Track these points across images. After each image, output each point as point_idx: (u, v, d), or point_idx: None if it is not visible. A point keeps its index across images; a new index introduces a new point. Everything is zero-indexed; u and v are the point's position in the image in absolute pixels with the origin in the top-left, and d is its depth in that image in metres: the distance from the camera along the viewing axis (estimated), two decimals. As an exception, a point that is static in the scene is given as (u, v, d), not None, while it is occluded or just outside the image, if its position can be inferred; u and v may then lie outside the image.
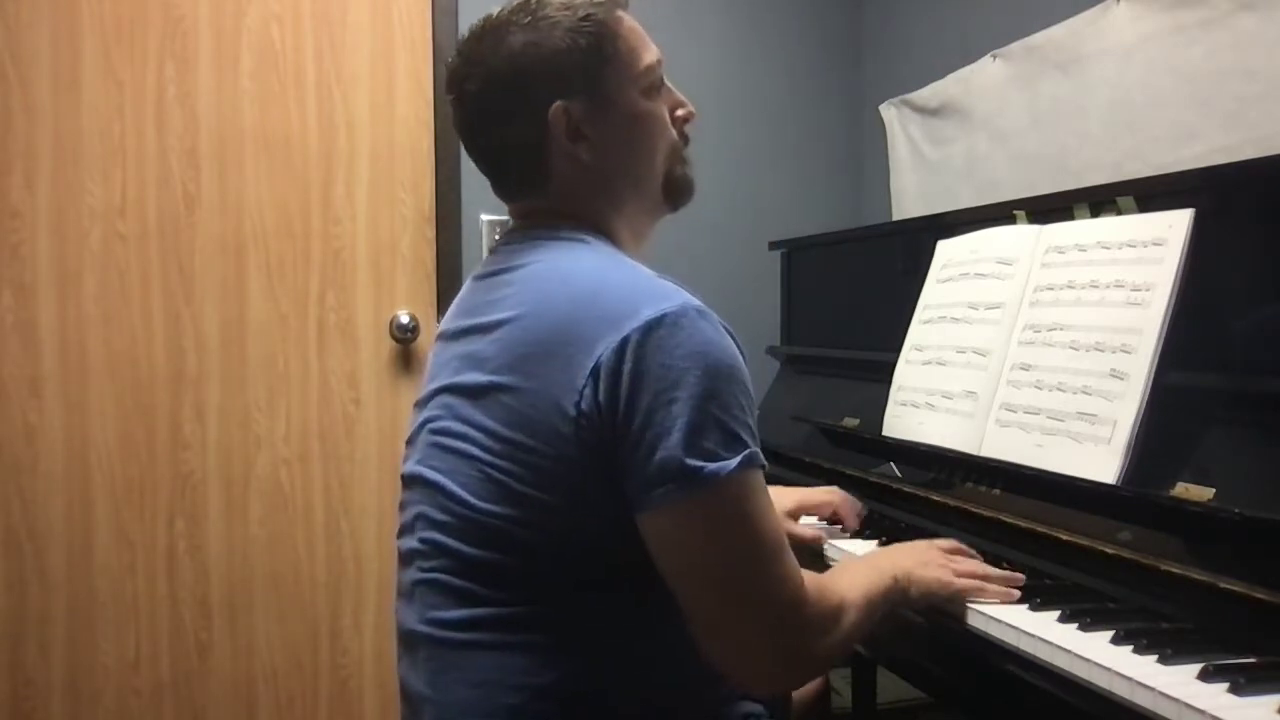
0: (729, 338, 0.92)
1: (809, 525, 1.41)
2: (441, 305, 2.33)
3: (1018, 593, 1.07)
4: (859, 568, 1.05)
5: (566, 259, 1.00)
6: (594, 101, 1.02)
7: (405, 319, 2.30)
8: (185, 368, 2.18)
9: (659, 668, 0.97)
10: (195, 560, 2.19)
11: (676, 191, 1.11)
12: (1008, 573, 1.11)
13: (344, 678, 2.31)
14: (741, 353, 0.93)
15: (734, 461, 0.86)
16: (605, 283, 0.95)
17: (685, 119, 1.11)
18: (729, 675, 0.94)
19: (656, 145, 1.07)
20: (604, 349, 0.88)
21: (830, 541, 1.36)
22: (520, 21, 1.01)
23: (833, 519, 1.43)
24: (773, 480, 1.00)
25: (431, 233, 2.35)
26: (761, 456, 0.91)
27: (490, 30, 1.02)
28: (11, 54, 2.07)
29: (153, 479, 2.17)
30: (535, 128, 1.01)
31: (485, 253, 2.37)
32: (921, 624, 1.11)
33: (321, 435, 2.28)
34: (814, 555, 1.35)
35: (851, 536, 1.40)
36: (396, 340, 2.31)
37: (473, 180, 2.36)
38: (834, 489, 1.45)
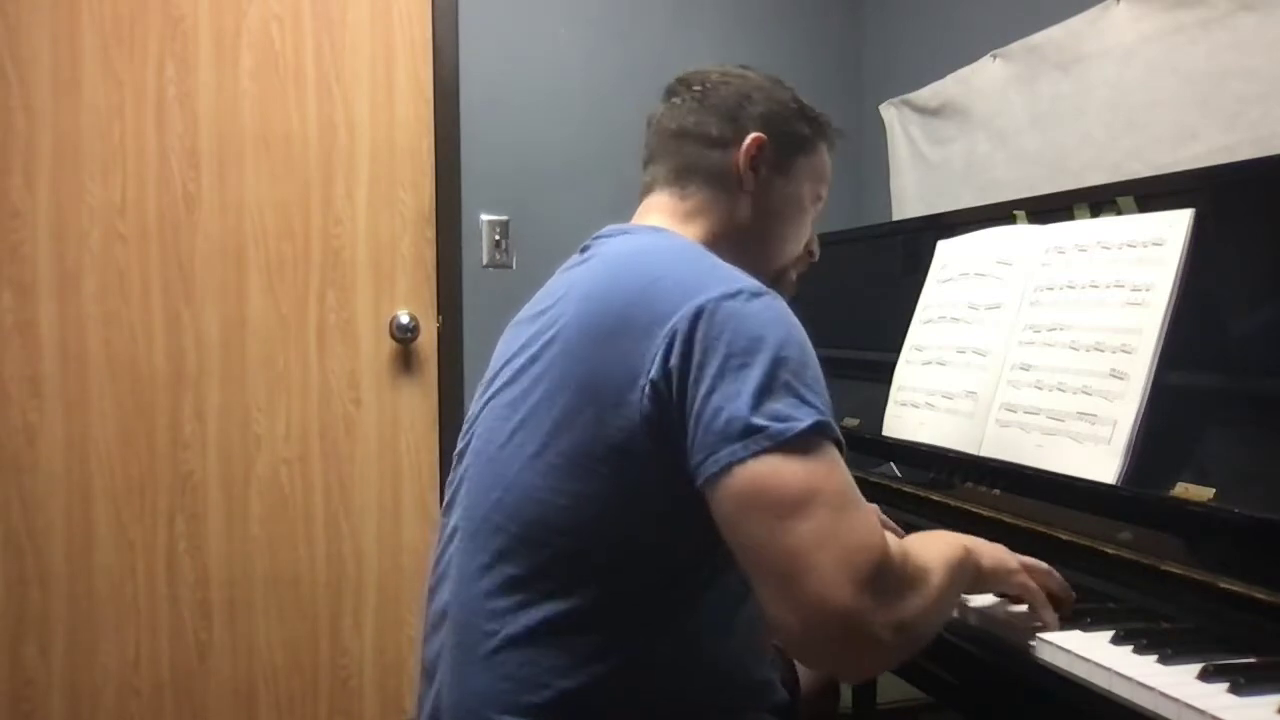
0: (800, 325, 0.92)
1: None
2: (441, 305, 2.33)
3: (1057, 621, 0.99)
4: (930, 537, 0.98)
5: (647, 244, 1.03)
6: (780, 163, 1.12)
7: (405, 319, 2.30)
8: (185, 368, 2.18)
9: (685, 682, 0.95)
10: (195, 560, 2.19)
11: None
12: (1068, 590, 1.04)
13: (344, 678, 2.31)
14: None
15: (803, 423, 0.84)
16: (679, 263, 0.96)
17: (810, 254, 1.20)
18: (807, 656, 0.86)
19: (794, 234, 1.16)
20: (679, 316, 0.88)
21: None
22: (763, 82, 1.14)
23: None
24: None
25: (431, 233, 2.34)
26: (837, 430, 0.87)
27: (738, 70, 1.15)
28: (11, 54, 2.07)
29: (153, 479, 2.17)
30: (731, 137, 1.10)
31: (485, 253, 2.38)
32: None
33: (321, 435, 2.28)
34: None
35: None
36: (396, 340, 2.31)
37: (473, 180, 2.36)
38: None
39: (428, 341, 2.34)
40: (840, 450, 0.88)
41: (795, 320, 0.91)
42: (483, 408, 1.04)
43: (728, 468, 0.84)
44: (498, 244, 2.38)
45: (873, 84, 2.65)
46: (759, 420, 0.83)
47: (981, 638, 1.04)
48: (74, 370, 2.12)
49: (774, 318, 0.89)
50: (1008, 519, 1.24)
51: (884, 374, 1.61)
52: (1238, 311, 1.12)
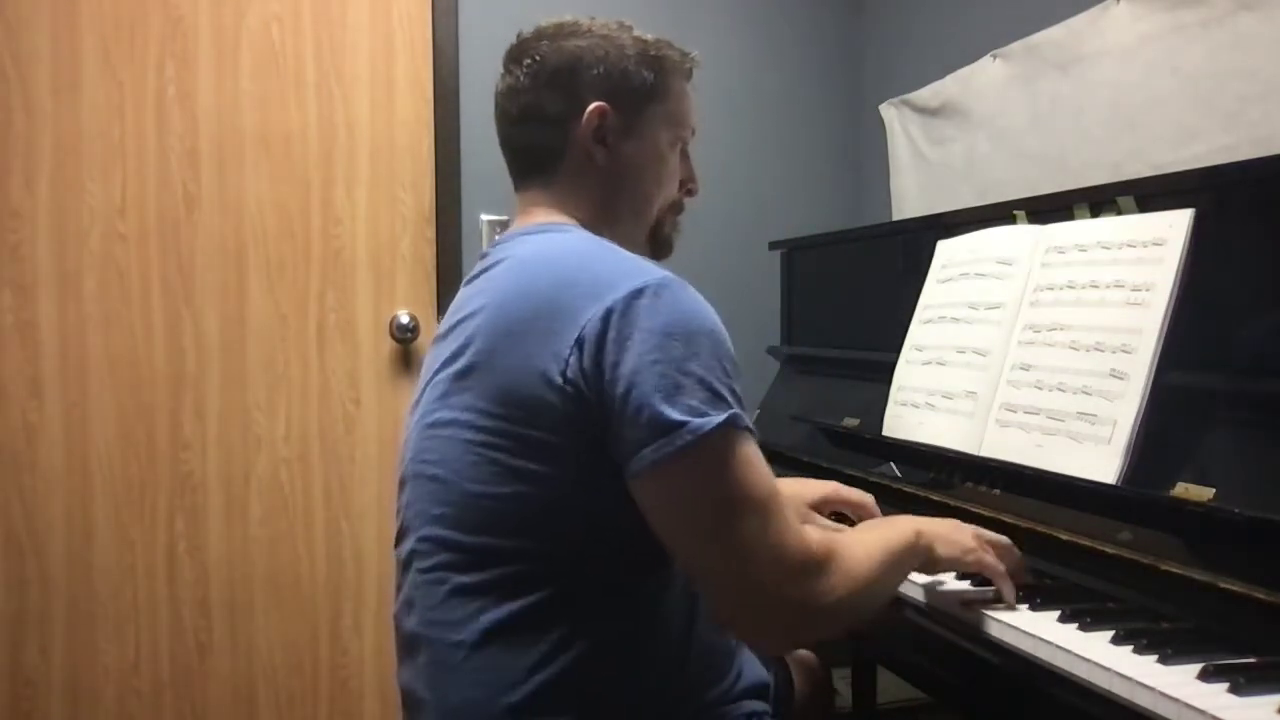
0: (711, 308, 0.94)
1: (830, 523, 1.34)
2: (441, 305, 2.33)
3: (1015, 603, 1.06)
4: (876, 524, 1.07)
5: (549, 244, 1.03)
6: (629, 123, 1.09)
7: (405, 319, 2.30)
8: (185, 368, 2.18)
9: (659, 664, 0.97)
10: (195, 560, 2.19)
11: (658, 244, 1.18)
12: (1020, 560, 1.10)
13: (344, 678, 2.31)
14: None
15: (717, 419, 0.88)
16: (587, 260, 0.98)
17: (689, 192, 1.19)
18: (742, 634, 0.95)
19: (661, 187, 1.14)
20: (588, 319, 0.90)
21: None
22: (601, 31, 1.10)
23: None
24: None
25: (431, 233, 2.34)
26: (747, 419, 0.92)
27: (572, 24, 1.11)
28: (11, 54, 2.07)
29: (153, 479, 2.17)
30: (570, 113, 1.07)
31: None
32: (922, 623, 1.11)
33: (321, 435, 2.28)
34: None
35: None
36: (396, 340, 2.31)
37: (473, 180, 2.36)
38: (869, 495, 1.36)
39: (428, 341, 2.33)
40: (753, 436, 0.93)
41: (701, 307, 0.93)
42: (412, 431, 1.05)
43: (652, 465, 0.88)
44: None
45: (873, 84, 2.65)
46: (677, 416, 0.87)
47: (981, 637, 1.04)
48: (74, 370, 2.12)
49: (681, 309, 0.91)
50: (1008, 519, 1.24)
51: (884, 374, 1.61)
52: (1238, 311, 1.12)
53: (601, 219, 1.10)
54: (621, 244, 1.09)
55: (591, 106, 1.06)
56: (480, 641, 0.93)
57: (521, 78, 1.08)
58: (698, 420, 0.87)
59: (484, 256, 1.10)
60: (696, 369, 0.89)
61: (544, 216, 1.09)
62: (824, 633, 0.96)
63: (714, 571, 0.90)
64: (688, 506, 0.89)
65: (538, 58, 1.08)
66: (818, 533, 0.93)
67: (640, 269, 0.94)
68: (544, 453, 0.91)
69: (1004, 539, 1.11)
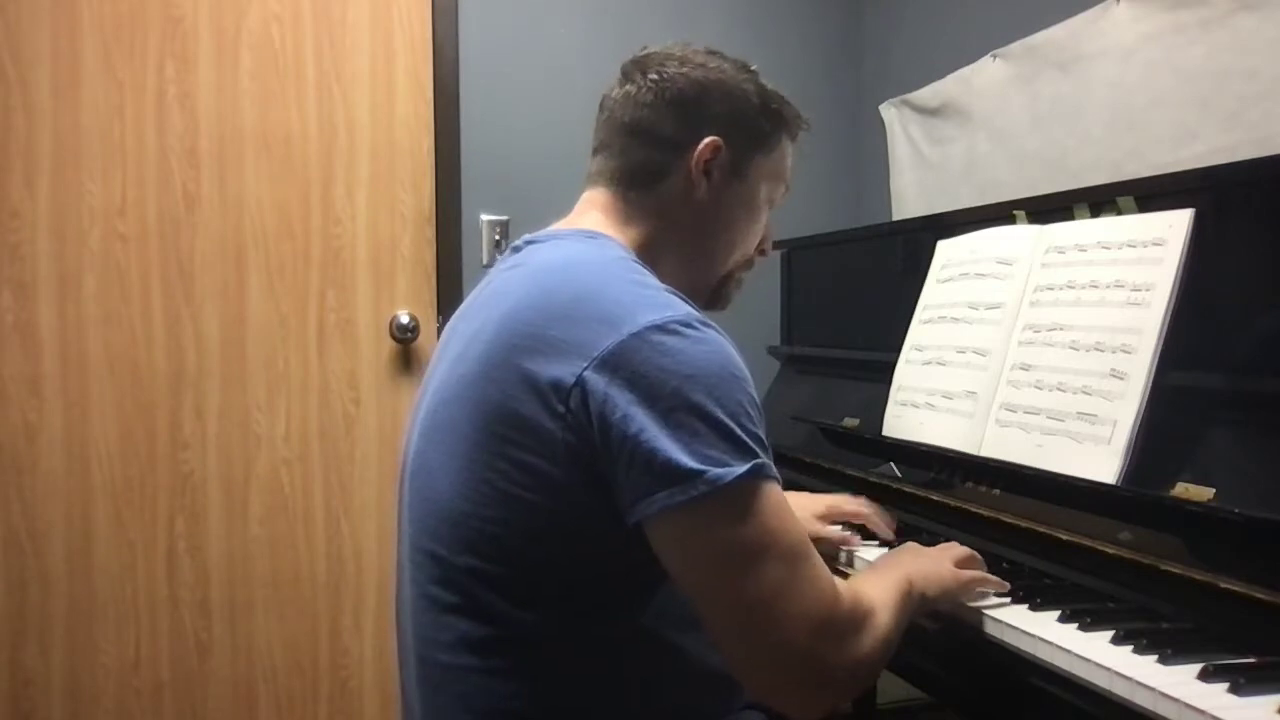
0: (734, 349, 0.89)
1: (837, 530, 1.36)
2: (441, 305, 2.33)
3: (1007, 585, 1.09)
4: (875, 574, 1.02)
5: (577, 255, 0.98)
6: (736, 166, 1.07)
7: (405, 319, 2.30)
8: (185, 368, 2.18)
9: (650, 693, 0.94)
10: (195, 560, 2.19)
11: (718, 296, 1.14)
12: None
13: (344, 678, 2.31)
14: None
15: (740, 469, 0.82)
16: (609, 283, 0.92)
17: (763, 251, 1.16)
18: (763, 693, 0.88)
19: (745, 238, 1.11)
20: (600, 350, 0.84)
21: (857, 551, 1.31)
22: (732, 69, 1.08)
23: (863, 531, 1.37)
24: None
25: (431, 233, 2.34)
26: (773, 469, 0.86)
27: (709, 51, 1.09)
28: (11, 54, 2.07)
29: (153, 479, 2.17)
30: (686, 139, 1.05)
31: (485, 253, 2.37)
32: (922, 624, 1.11)
33: (321, 435, 2.28)
34: (832, 559, 1.30)
35: (880, 545, 1.34)
36: (396, 340, 2.31)
37: (473, 180, 2.36)
38: (865, 499, 1.40)
39: (428, 341, 2.34)
40: (778, 484, 0.87)
41: (725, 347, 0.88)
42: (419, 423, 1.01)
43: (664, 511, 0.82)
44: (498, 244, 2.38)
45: (873, 84, 2.65)
46: (694, 464, 0.81)
47: (981, 637, 1.04)
48: (74, 370, 2.12)
49: (704, 351, 0.85)
50: (1008, 519, 1.24)
51: (884, 374, 1.61)
52: (1238, 311, 1.12)
53: (669, 246, 1.05)
54: (678, 282, 1.03)
55: (708, 139, 1.04)
56: (467, 664, 0.91)
57: (644, 90, 1.05)
58: (717, 470, 0.81)
59: (516, 250, 1.05)
60: (718, 414, 0.83)
61: (594, 224, 1.04)
62: (850, 693, 0.91)
63: (732, 624, 0.84)
64: (702, 557, 0.83)
65: (665, 75, 1.05)
66: (842, 584, 0.88)
67: (660, 301, 0.88)
68: (538, 481, 0.86)
69: (967, 551, 1.12)
